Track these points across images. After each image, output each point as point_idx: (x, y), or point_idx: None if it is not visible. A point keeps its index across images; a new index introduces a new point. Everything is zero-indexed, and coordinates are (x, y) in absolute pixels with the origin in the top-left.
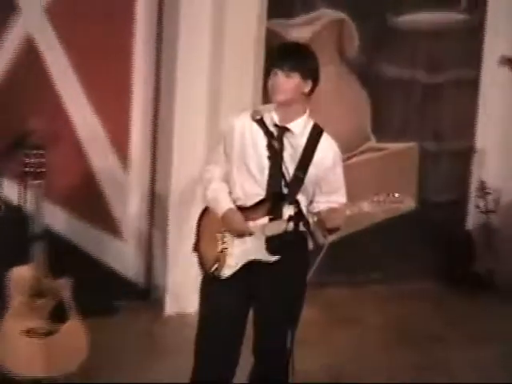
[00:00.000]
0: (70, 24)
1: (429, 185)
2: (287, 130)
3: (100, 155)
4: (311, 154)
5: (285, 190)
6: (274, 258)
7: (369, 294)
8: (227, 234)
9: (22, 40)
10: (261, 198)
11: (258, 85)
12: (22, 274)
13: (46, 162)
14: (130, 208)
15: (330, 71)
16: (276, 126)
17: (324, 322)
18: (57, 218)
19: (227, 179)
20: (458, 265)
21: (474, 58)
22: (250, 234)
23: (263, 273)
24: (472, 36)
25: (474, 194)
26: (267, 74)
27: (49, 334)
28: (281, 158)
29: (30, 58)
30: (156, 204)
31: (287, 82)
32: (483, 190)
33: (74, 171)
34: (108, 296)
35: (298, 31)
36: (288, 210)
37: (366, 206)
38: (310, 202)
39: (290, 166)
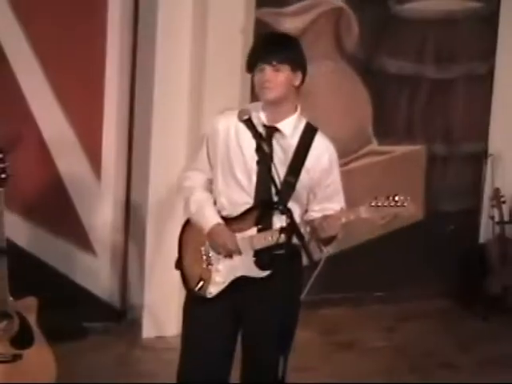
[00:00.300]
0: (37, 18)
1: (437, 193)
2: (276, 130)
3: (69, 160)
4: (304, 157)
5: (275, 198)
6: (263, 274)
7: (370, 315)
8: (212, 250)
9: None
10: (248, 206)
11: (246, 82)
12: None
13: (7, 168)
14: (103, 219)
15: (326, 66)
16: (264, 126)
17: (321, 345)
18: (20, 231)
19: (210, 187)
20: (469, 282)
21: (487, 51)
22: (240, 253)
23: (252, 290)
24: (485, 26)
25: (488, 202)
26: (249, 71)
27: (12, 359)
28: (270, 162)
29: None
30: (132, 214)
31: (277, 77)
32: (498, 198)
33: (39, 177)
34: (78, 317)
35: (291, 21)
36: (279, 220)
37: (363, 212)
38: (305, 211)
39: (280, 171)
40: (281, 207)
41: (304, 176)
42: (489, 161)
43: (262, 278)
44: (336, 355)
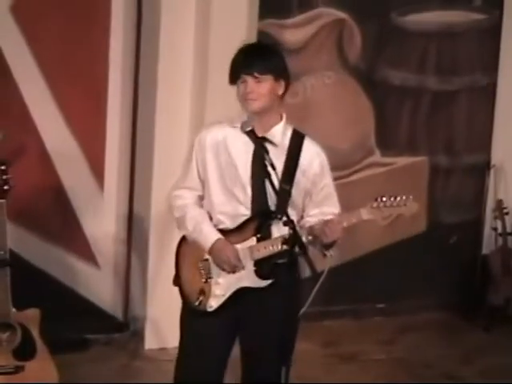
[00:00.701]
0: (38, 27)
1: (440, 204)
2: (266, 140)
3: (71, 172)
4: (295, 163)
5: (272, 207)
6: (264, 284)
7: (372, 327)
8: (211, 263)
9: None
10: (245, 218)
11: None
12: None
13: (9, 179)
14: (106, 231)
15: (328, 77)
16: (256, 136)
17: (322, 357)
18: (22, 242)
19: (202, 203)
20: (472, 293)
21: (489, 62)
22: (243, 268)
23: (252, 301)
24: (488, 38)
25: (491, 214)
26: (232, 83)
27: (14, 371)
28: (265, 172)
29: None
30: (134, 226)
31: (260, 87)
32: (500, 209)
33: (41, 189)
34: (81, 329)
35: (293, 33)
36: (277, 229)
37: (364, 214)
38: (301, 218)
39: (274, 179)
40: (284, 218)
41: (298, 181)
42: (491, 172)
43: (262, 288)
44: (337, 367)
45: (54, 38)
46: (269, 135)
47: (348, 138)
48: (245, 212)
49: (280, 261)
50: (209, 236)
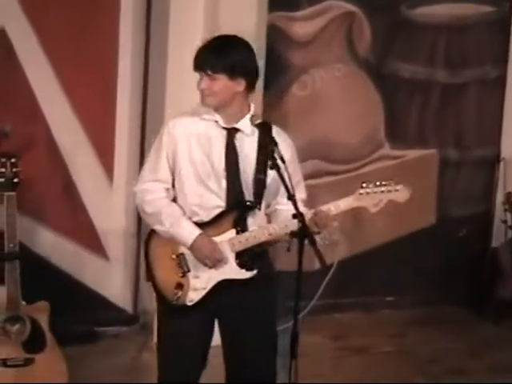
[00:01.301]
0: (47, 15)
1: (449, 197)
2: (237, 130)
3: (81, 164)
4: (268, 152)
5: (247, 197)
6: (248, 275)
7: (381, 320)
8: (187, 256)
9: None
10: (221, 209)
11: (258, 90)
12: None
13: (19, 172)
14: (115, 223)
15: (338, 70)
16: (223, 127)
17: (332, 350)
18: (32, 235)
19: (172, 195)
20: (481, 287)
21: (499, 55)
22: (226, 262)
23: (232, 293)
24: (497, 30)
25: (500, 206)
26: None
27: (24, 363)
28: (237, 162)
29: (1, 53)
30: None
31: (214, 85)
32: (510, 202)
33: (51, 181)
34: (90, 322)
35: (303, 25)
36: (254, 220)
37: (353, 201)
38: (268, 206)
39: (247, 170)
40: (255, 206)
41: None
42: (501, 165)
43: (241, 280)
44: (347, 360)
45: (61, 24)
46: (238, 125)
47: (357, 131)
48: (220, 203)
49: (260, 250)
50: (189, 232)
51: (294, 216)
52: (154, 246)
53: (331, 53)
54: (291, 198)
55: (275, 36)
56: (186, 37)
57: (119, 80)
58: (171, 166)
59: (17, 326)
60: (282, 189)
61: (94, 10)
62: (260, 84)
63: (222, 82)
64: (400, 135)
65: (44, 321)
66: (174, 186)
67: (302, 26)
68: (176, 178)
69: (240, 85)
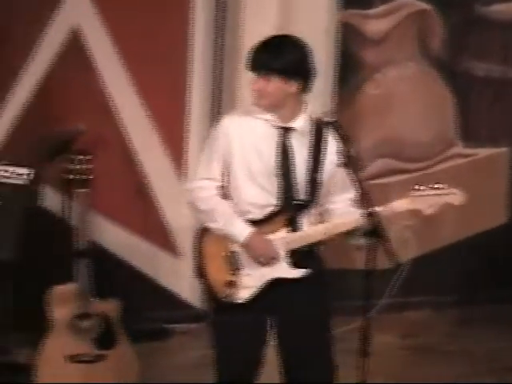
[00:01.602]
0: (120, 15)
1: None
2: (291, 129)
3: (153, 162)
4: (323, 152)
5: (300, 196)
6: (299, 274)
7: (450, 318)
8: (239, 254)
9: (67, 33)
10: (274, 208)
11: (328, 88)
12: (65, 293)
13: (92, 169)
14: (187, 220)
15: (410, 68)
16: (277, 126)
17: (402, 349)
18: (104, 232)
19: (224, 193)
20: None
21: None
22: (279, 260)
23: (285, 290)
24: None
25: None
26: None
27: (95, 360)
28: (291, 162)
29: (75, 53)
30: None
31: (266, 86)
32: None
33: (123, 179)
34: (160, 318)
35: (375, 23)
36: (306, 218)
37: (406, 203)
38: (320, 204)
39: (301, 168)
40: (309, 205)
41: (327, 170)
42: None
43: (294, 279)
44: (416, 359)
45: (134, 24)
46: (292, 124)
47: (429, 130)
48: (273, 202)
49: (313, 249)
50: (241, 229)
51: (369, 214)
52: (205, 243)
53: (403, 51)
54: (362, 197)
55: (348, 34)
56: (258, 35)
57: (191, 79)
58: (224, 164)
59: (87, 323)
60: (336, 187)
61: (165, 10)
62: (330, 82)
63: (275, 84)
64: (472, 134)
65: (115, 318)
66: (226, 184)
67: (374, 24)
68: (230, 177)
69: (294, 86)
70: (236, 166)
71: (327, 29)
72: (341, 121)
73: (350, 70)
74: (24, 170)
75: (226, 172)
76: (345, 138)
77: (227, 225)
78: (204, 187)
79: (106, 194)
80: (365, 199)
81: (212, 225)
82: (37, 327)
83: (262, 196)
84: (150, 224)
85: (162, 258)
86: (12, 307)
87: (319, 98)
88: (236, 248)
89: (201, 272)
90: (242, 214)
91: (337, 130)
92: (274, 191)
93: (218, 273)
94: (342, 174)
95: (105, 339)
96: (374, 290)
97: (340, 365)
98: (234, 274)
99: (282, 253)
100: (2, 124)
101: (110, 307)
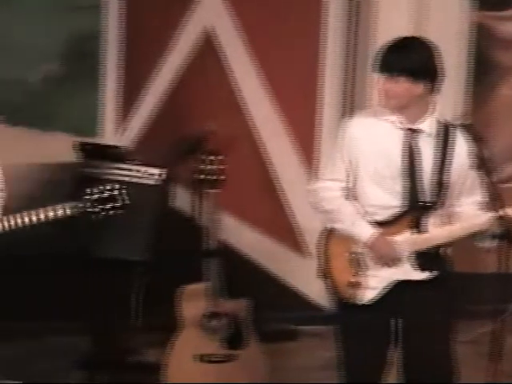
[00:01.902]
0: (252, 17)
1: None
2: (418, 130)
3: (283, 161)
4: (451, 153)
5: (427, 198)
6: (424, 276)
7: None
8: (363, 255)
9: (201, 33)
10: (399, 209)
11: (461, 89)
12: (195, 293)
13: (223, 170)
14: (316, 221)
15: None
16: (402, 128)
17: None
18: (234, 232)
19: (348, 194)
20: None
21: None
22: (401, 262)
23: (409, 292)
24: None
25: None
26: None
27: (225, 360)
28: (418, 163)
29: (208, 53)
30: None
31: (396, 87)
32: None
33: (253, 179)
34: (289, 319)
35: (510, 25)
36: (432, 221)
37: None
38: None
39: (427, 170)
40: (435, 207)
41: (454, 172)
42: None
43: (417, 281)
44: None
45: (265, 24)
46: (419, 125)
47: None
48: (397, 204)
49: (439, 252)
50: (366, 230)
51: (500, 218)
52: (329, 244)
53: None
54: (493, 199)
55: (482, 35)
56: (390, 37)
57: (322, 79)
58: (348, 165)
59: (217, 323)
60: (464, 189)
61: (298, 12)
62: (463, 84)
63: (403, 85)
64: None
65: (244, 317)
66: (351, 185)
67: (509, 26)
68: (353, 178)
69: (421, 87)
70: (362, 168)
71: (460, 30)
72: (474, 122)
73: (484, 71)
74: (156, 170)
75: (352, 173)
76: (477, 140)
77: (351, 225)
78: (329, 188)
79: (236, 193)
80: (496, 202)
81: (336, 225)
82: (166, 327)
83: (387, 197)
84: (280, 224)
85: (291, 259)
86: (142, 307)
87: (451, 100)
88: (360, 249)
89: (325, 273)
90: (366, 215)
91: (469, 132)
92: (399, 193)
93: (341, 274)
94: (472, 177)
95: (234, 339)
96: (506, 293)
97: (471, 368)
98: (357, 275)
99: (407, 254)
100: (135, 124)
101: (239, 307)
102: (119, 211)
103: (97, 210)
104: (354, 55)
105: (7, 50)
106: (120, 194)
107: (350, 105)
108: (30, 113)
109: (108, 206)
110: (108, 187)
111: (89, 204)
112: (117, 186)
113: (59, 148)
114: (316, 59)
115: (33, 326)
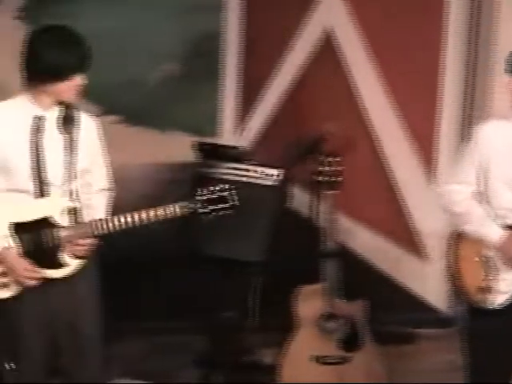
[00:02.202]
0: (372, 18)
1: None
2: None
3: (400, 163)
4: None
5: None
6: None
7: None
8: (494, 258)
9: (320, 33)
10: None
11: None
12: (312, 294)
13: (341, 171)
14: (435, 222)
15: None
16: None
17: None
18: (351, 233)
19: (480, 198)
20: None
21: None
22: None
23: None
24: None
25: None
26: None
27: (341, 361)
28: None
29: (327, 53)
30: None
31: None
32: None
33: (371, 181)
34: (406, 321)
35: None
36: None
37: None
38: None
39: None
40: None
41: None
42: None
43: None
44: None
45: (385, 27)
46: None
47: None
48: None
49: None
50: (496, 232)
51: None
52: (459, 247)
53: None
54: None
55: None
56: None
57: (443, 82)
58: (480, 169)
59: (333, 324)
60: None
61: (419, 14)
62: None
63: None
64: None
65: (361, 319)
66: (482, 189)
67: None
68: (484, 181)
69: None
70: (493, 172)
71: None
72: None
73: None
74: (273, 171)
75: (482, 177)
76: None
77: (481, 227)
78: (458, 191)
79: (354, 195)
80: None
81: (466, 227)
82: (282, 327)
83: None
84: (397, 226)
85: (408, 261)
86: (259, 307)
87: None
88: (490, 253)
89: (454, 276)
90: (497, 218)
91: None
92: None
93: (471, 277)
94: None
95: (350, 341)
96: None
97: None
98: (488, 279)
99: None
100: (254, 124)
101: (355, 308)
102: (229, 212)
103: (207, 210)
104: (475, 59)
105: (129, 52)
106: (230, 195)
107: (470, 108)
108: (150, 113)
109: (218, 206)
110: (218, 188)
111: (199, 204)
112: (227, 187)
113: (177, 148)
114: (436, 60)
115: (150, 325)
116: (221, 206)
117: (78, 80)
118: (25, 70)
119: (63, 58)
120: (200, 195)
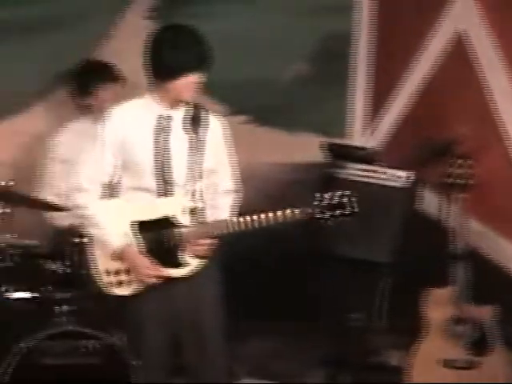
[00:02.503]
0: (503, 20)
1: None
2: None
3: None
4: None
5: None
6: None
7: None
8: None
9: (452, 36)
10: None
11: None
12: (441, 297)
13: (473, 174)
14: None
15: None
16: None
17: None
18: (482, 237)
19: None
20: None
21: None
22: None
23: None
24: None
25: None
26: None
27: (469, 366)
28: None
29: (459, 55)
30: None
31: None
32: None
33: (502, 184)
34: None
35: None
36: None
37: None
38: None
39: None
40: None
41: None
42: None
43: None
44: None
45: None
46: None
47: None
48: None
49: None
50: None
51: None
52: None
53: None
54: None
55: None
56: None
57: None
58: None
59: (462, 328)
60: None
61: None
62: None
63: None
64: None
65: (490, 324)
66: None
67: None
68: None
69: None
70: None
71: None
72: None
73: None
74: (403, 173)
75: None
76: None
77: None
78: None
79: (486, 199)
80: None
81: None
82: (409, 329)
83: None
84: None
85: None
86: (386, 309)
87: None
88: None
89: None
90: None
91: None
92: None
93: None
94: None
95: (479, 345)
96: None
97: None
98: None
99: None
100: (384, 125)
101: (485, 313)
102: (347, 219)
103: (326, 216)
104: None
105: (260, 50)
106: (349, 201)
107: None
108: (279, 113)
109: (337, 212)
110: (338, 194)
111: (318, 210)
112: (347, 193)
113: (305, 148)
114: None
115: (278, 325)
116: (339, 212)
117: (193, 78)
118: (147, 68)
119: (178, 56)
120: (319, 200)
